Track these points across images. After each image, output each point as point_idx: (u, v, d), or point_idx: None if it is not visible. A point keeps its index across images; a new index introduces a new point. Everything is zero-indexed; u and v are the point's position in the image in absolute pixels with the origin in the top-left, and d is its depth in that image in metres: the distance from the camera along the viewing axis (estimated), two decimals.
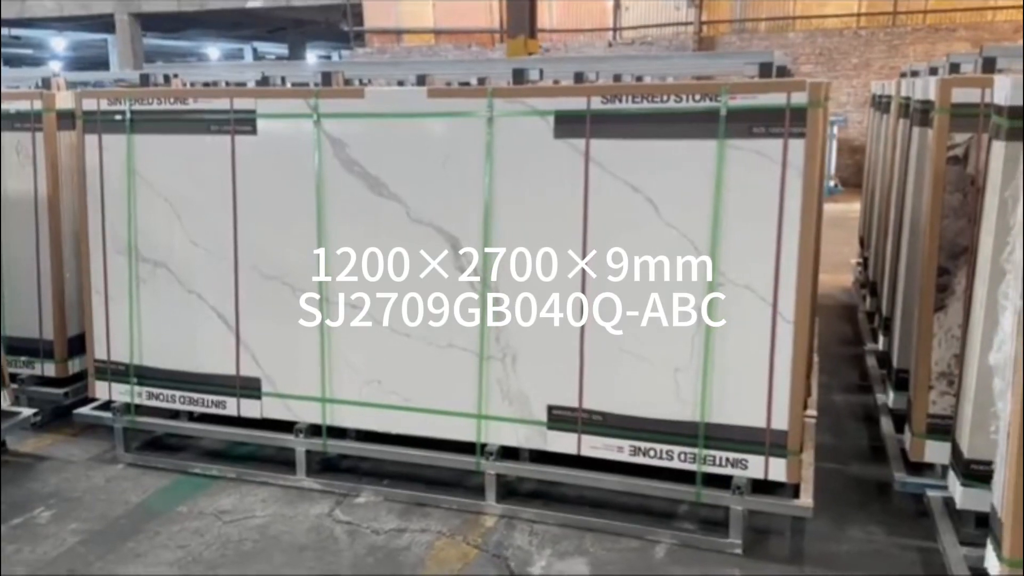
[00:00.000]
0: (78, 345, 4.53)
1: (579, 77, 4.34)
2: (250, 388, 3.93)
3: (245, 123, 3.78)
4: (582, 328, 3.42)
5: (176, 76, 5.15)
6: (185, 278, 3.98)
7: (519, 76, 3.61)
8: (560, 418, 3.50)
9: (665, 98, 3.21)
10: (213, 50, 28.47)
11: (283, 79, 5.17)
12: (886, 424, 4.04)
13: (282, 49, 27.77)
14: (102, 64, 22.95)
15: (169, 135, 3.92)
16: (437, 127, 3.53)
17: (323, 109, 3.65)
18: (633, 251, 3.32)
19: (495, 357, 3.55)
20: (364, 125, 3.62)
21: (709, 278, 3.23)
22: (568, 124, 3.34)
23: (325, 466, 4.02)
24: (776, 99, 3.09)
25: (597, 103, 3.30)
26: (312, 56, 28.01)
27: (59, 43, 24.83)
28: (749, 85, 3.24)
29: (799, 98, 3.05)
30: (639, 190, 3.29)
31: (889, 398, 4.16)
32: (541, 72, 3.59)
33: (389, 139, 3.59)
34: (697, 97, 3.17)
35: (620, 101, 3.27)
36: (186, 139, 3.88)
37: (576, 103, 3.32)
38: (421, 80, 4.64)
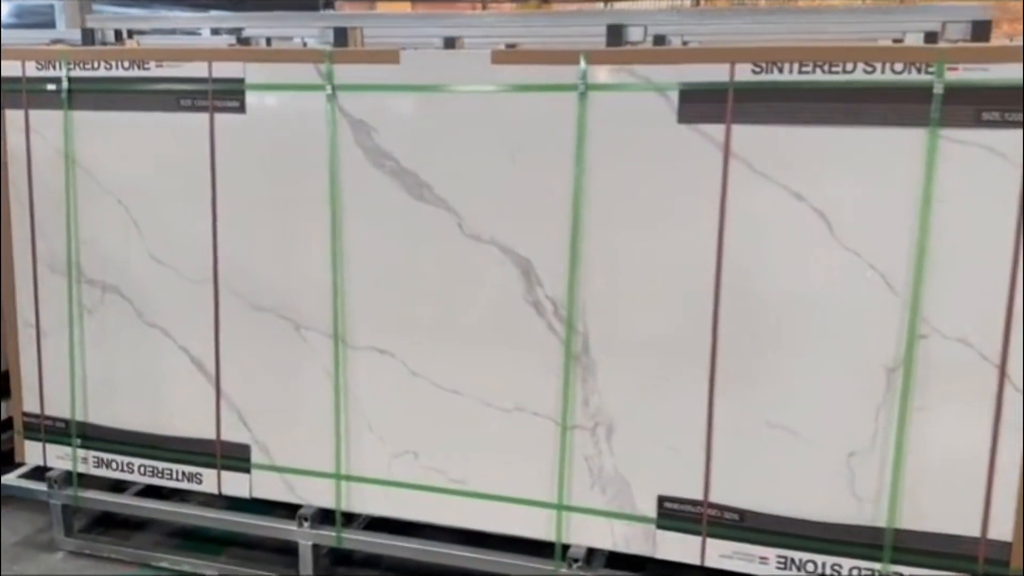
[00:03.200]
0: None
1: (660, 40, 3.31)
2: (235, 457, 2.90)
3: (229, 96, 2.71)
4: (711, 389, 2.43)
5: (131, 36, 4.01)
6: (145, 307, 2.92)
7: (615, 34, 2.58)
8: (676, 514, 2.51)
9: (849, 67, 2.21)
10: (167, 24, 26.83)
11: (268, 40, 4.08)
12: None
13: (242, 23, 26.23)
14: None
15: (123, 112, 2.84)
16: (504, 106, 2.49)
17: (340, 78, 2.60)
18: (792, 284, 2.33)
19: (583, 427, 2.56)
20: (399, 102, 2.58)
21: (906, 326, 2.26)
22: (699, 103, 2.33)
23: (338, 558, 3.00)
24: (1017, 72, 2.11)
25: (745, 73, 2.29)
26: None
27: None
28: (978, 51, 2.25)
29: None
30: (804, 198, 2.29)
31: None
32: (645, 30, 2.57)
33: (435, 122, 2.56)
34: (899, 67, 2.18)
35: (780, 71, 2.26)
36: (146, 118, 2.81)
37: (713, 72, 2.31)
38: (450, 43, 3.58)
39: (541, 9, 7.55)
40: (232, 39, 3.98)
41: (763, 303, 2.36)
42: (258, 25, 3.46)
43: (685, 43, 3.09)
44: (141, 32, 3.41)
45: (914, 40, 3.09)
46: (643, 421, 2.51)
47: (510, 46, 4.38)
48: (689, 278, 2.41)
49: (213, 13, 3.49)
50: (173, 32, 4.22)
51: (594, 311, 2.50)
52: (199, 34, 4.54)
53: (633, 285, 2.46)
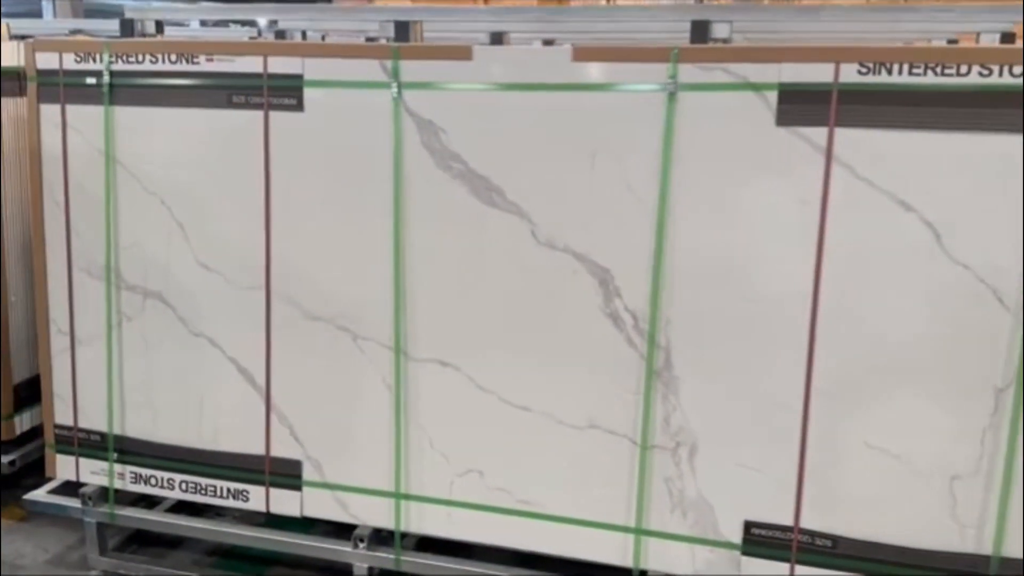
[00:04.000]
0: (29, 394, 3.30)
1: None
2: (286, 474, 2.74)
3: (286, 93, 2.55)
4: (804, 408, 2.30)
5: (159, 31, 3.83)
6: (191, 315, 2.76)
7: (700, 30, 2.43)
8: (763, 540, 2.38)
9: (964, 69, 2.08)
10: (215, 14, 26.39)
11: (304, 34, 3.91)
12: None
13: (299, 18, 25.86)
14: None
15: (168, 108, 2.68)
16: (585, 106, 2.35)
17: (407, 76, 2.45)
18: (896, 299, 2.20)
19: (663, 447, 2.42)
20: (470, 101, 2.43)
21: (1018, 343, 2.13)
22: (800, 104, 2.19)
23: None
24: None
25: (851, 73, 2.15)
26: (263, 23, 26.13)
27: None
28: None
29: None
30: (912, 208, 2.16)
31: None
32: (731, 26, 2.42)
33: (508, 123, 2.41)
34: (1017, 69, 2.05)
35: (889, 72, 2.13)
36: (194, 115, 2.65)
37: (816, 72, 2.17)
38: (497, 38, 3.42)
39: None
40: (270, 34, 3.82)
41: (864, 317, 2.22)
42: (317, 19, 3.29)
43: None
44: (180, 24, 3.23)
45: (989, 40, 2.96)
46: (729, 441, 2.37)
47: (547, 42, 4.24)
48: (783, 290, 2.27)
49: (267, 5, 3.30)
50: (204, 24, 4.03)
51: (678, 324, 2.36)
52: (227, 27, 4.37)
53: (721, 297, 2.32)
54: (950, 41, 3.49)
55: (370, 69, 2.47)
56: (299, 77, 2.53)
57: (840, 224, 2.21)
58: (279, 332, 2.68)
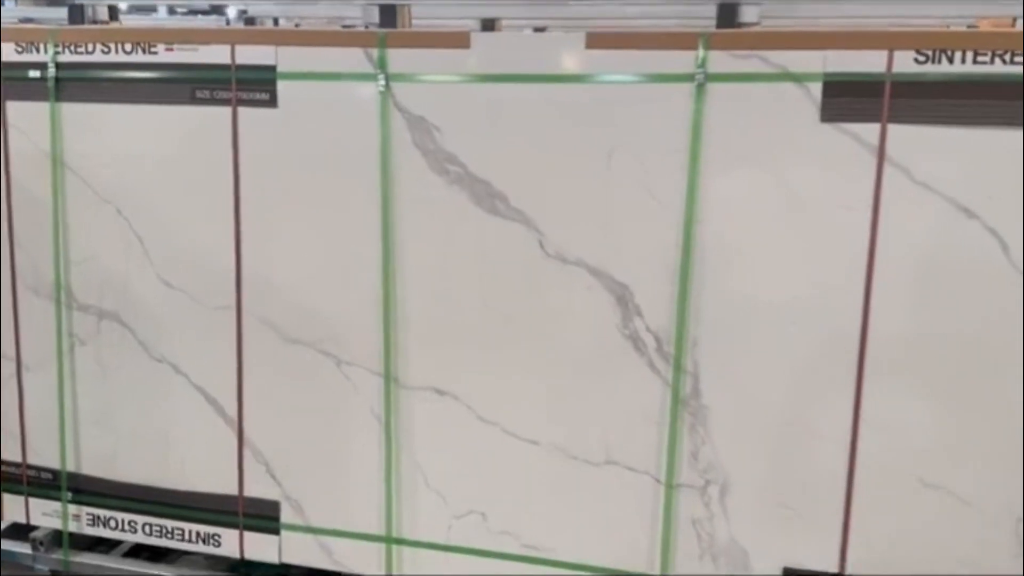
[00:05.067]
0: None
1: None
2: (262, 516, 2.44)
3: (257, 87, 2.25)
4: (852, 442, 2.03)
5: (113, 17, 3.47)
6: (152, 338, 2.45)
7: (727, 15, 2.15)
8: None
9: None
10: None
11: (276, 21, 3.60)
12: None
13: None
14: None
15: (123, 105, 2.36)
16: (600, 100, 2.06)
17: (395, 66, 2.15)
18: (955, 315, 1.93)
19: (691, 485, 2.14)
20: (467, 95, 2.13)
21: None
22: (848, 97, 1.92)
23: None
24: None
25: (907, 62, 1.88)
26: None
27: None
28: None
29: None
30: (976, 215, 1.89)
31: None
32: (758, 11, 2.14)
33: (512, 120, 2.12)
34: None
35: (952, 60, 1.86)
36: (153, 113, 2.34)
37: (866, 60, 1.90)
38: (488, 24, 3.13)
39: None
40: (238, 23, 3.51)
41: (920, 336, 1.96)
42: (291, 4, 2.96)
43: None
44: (144, 10, 2.90)
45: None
46: (766, 478, 2.10)
47: (538, 30, 3.95)
48: (828, 307, 2.00)
49: None
50: (173, 12, 3.69)
51: (707, 346, 2.08)
52: (177, 13, 4.03)
53: (756, 316, 2.05)
54: (970, 27, 3.26)
55: (353, 59, 2.17)
56: (272, 68, 2.23)
57: (893, 234, 1.94)
58: (253, 357, 2.37)
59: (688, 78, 1.99)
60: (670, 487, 2.14)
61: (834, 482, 2.05)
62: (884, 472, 2.02)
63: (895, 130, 1.90)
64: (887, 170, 1.92)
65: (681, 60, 1.99)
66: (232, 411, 2.41)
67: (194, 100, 2.29)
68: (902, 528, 2.04)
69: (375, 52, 2.15)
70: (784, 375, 2.05)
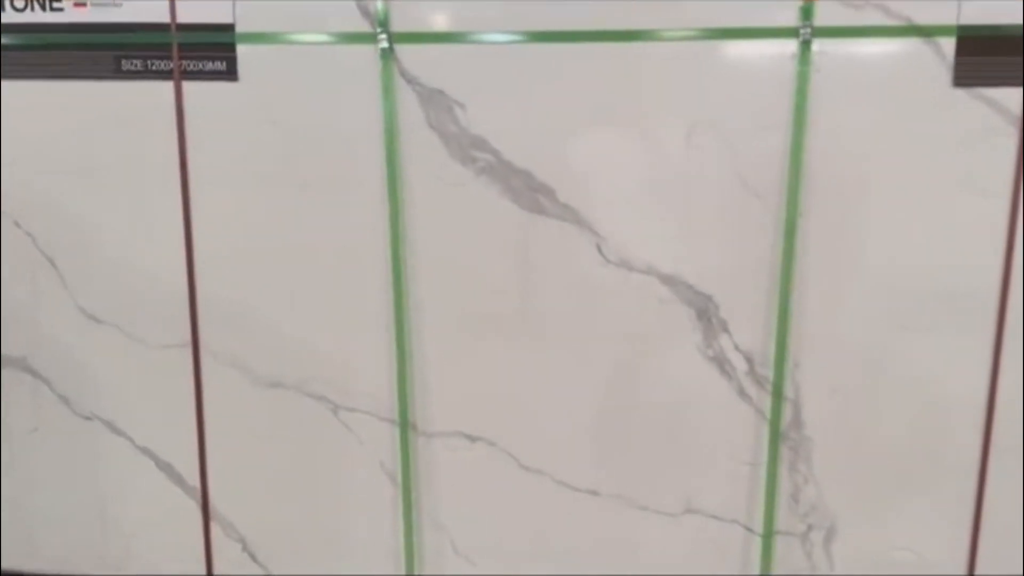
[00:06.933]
0: None
1: None
2: None
3: (209, 54, 1.68)
4: (981, 471, 1.70)
5: None
6: (75, 390, 1.87)
7: None
8: None
9: None
10: None
11: None
12: None
13: None
14: None
15: (20, 82, 1.74)
16: (678, 62, 1.62)
17: (401, 22, 1.64)
18: None
19: (790, 532, 1.77)
20: (500, 61, 1.64)
21: None
22: (987, 57, 1.55)
23: None
24: None
25: None
26: None
27: None
28: None
29: None
30: None
31: None
32: None
33: (558, 92, 1.65)
34: None
35: None
36: (64, 91, 1.73)
37: (1011, 9, 1.53)
38: None
39: None
40: None
41: None
42: None
43: None
44: None
45: None
46: (878, 519, 1.75)
47: None
48: (956, 313, 1.65)
49: None
50: None
51: (810, 368, 1.70)
52: None
53: (871, 327, 1.68)
54: None
55: (343, 14, 1.64)
56: (229, 28, 1.67)
57: None
58: (217, 407, 1.83)
59: (791, 33, 1.57)
60: (767, 536, 1.76)
61: (959, 518, 1.72)
62: (1017, 505, 1.71)
63: None
64: None
65: (781, 10, 1.57)
66: (193, 478, 1.87)
67: (119, 73, 1.71)
68: None
69: (373, 5, 1.63)
70: (899, 395, 1.69)
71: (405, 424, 1.79)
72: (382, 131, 1.67)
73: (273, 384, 1.81)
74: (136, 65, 1.70)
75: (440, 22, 1.63)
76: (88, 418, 1.87)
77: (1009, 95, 1.56)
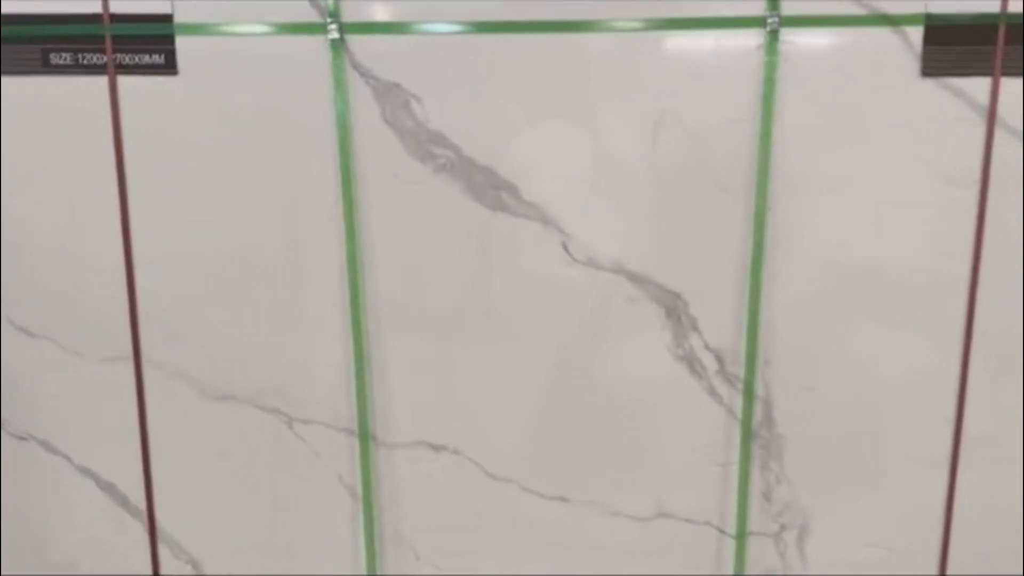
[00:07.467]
0: None
1: None
2: None
3: (146, 47, 1.57)
4: (952, 464, 1.69)
5: None
6: (8, 407, 1.74)
7: None
8: None
9: None
10: None
11: None
12: None
13: None
14: None
15: None
16: (645, 52, 1.56)
17: (353, 12, 1.55)
18: None
19: (762, 533, 1.74)
20: (460, 52, 1.57)
21: None
22: (956, 46, 1.53)
23: None
24: None
25: None
26: None
27: None
28: None
29: None
30: None
31: None
32: None
33: (521, 85, 1.58)
34: None
35: None
36: None
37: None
38: None
39: None
40: None
41: None
42: None
43: None
44: None
45: None
46: (852, 516, 1.73)
47: None
48: (926, 307, 1.63)
49: None
50: None
51: (781, 365, 1.67)
52: None
53: (841, 321, 1.65)
54: None
55: (290, 2, 1.55)
56: (167, 19, 1.56)
57: (1006, 217, 1.59)
58: (162, 422, 1.72)
59: (757, 23, 1.53)
60: (739, 538, 1.73)
61: (931, 513, 1.71)
62: (989, 500, 1.70)
63: (1010, 86, 1.54)
64: (999, 137, 1.56)
65: (746, 2, 1.53)
66: (138, 499, 1.76)
67: (48, 68, 1.58)
68: (1014, 566, 1.73)
69: None
70: (873, 389, 1.67)
71: (365, 435, 1.71)
72: (334, 127, 1.58)
73: (222, 397, 1.71)
74: (66, 59, 1.58)
75: (395, 11, 1.55)
76: (23, 438, 1.74)
77: (977, 85, 1.54)
